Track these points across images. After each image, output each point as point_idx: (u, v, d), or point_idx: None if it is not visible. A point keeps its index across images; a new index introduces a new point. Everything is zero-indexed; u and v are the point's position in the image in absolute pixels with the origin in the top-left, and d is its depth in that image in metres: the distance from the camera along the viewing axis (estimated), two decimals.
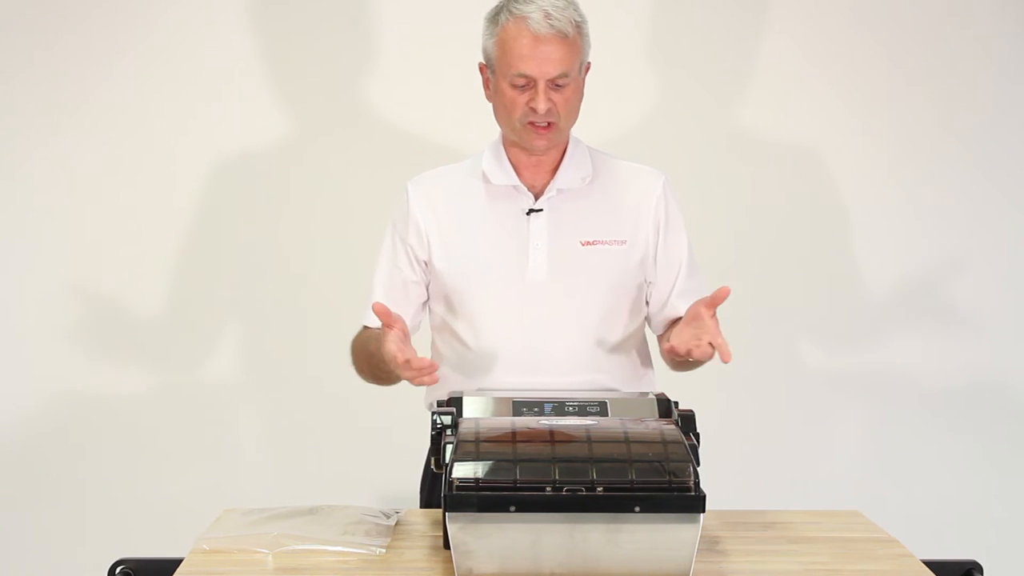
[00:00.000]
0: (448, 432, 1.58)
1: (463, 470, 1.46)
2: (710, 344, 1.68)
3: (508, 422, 1.60)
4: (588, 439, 1.52)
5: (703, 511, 1.44)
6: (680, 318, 1.96)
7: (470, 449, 1.49)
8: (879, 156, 2.98)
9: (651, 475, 1.46)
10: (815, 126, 2.97)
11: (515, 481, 1.45)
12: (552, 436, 1.53)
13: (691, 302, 1.94)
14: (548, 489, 1.44)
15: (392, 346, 1.67)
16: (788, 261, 2.99)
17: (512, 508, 1.43)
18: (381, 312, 1.69)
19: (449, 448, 1.51)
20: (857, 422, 3.06)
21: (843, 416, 3.05)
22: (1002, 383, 3.04)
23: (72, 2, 2.84)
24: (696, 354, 1.71)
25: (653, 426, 1.60)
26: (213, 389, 2.95)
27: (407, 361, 1.65)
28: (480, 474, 1.46)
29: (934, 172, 2.99)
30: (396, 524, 1.74)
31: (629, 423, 1.61)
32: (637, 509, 1.43)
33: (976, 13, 2.95)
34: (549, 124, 1.82)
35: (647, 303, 1.99)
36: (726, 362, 1.66)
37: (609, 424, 1.61)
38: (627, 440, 1.52)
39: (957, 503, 3.05)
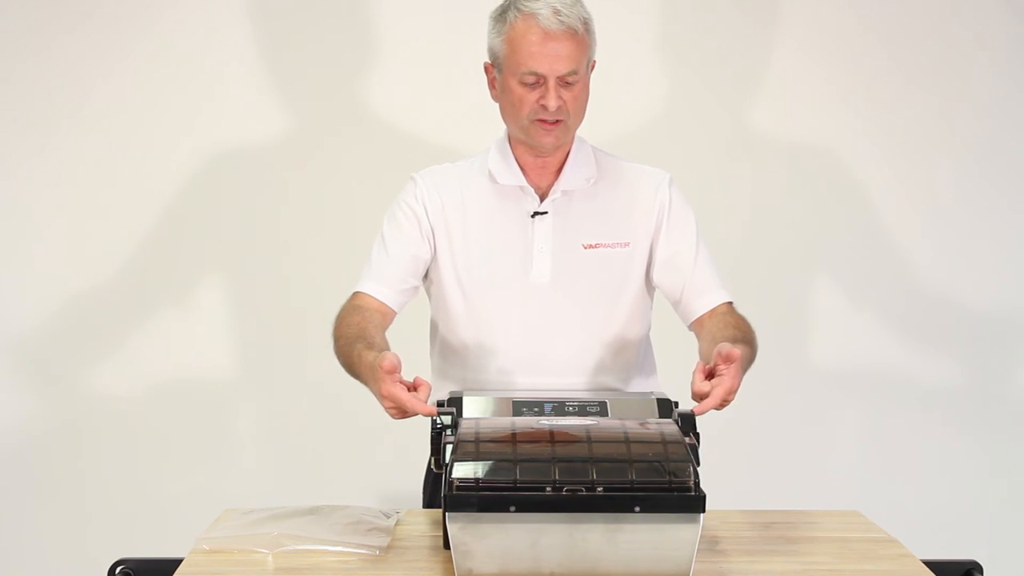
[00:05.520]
0: (448, 432, 1.57)
1: (463, 470, 1.46)
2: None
3: (508, 422, 1.60)
4: (588, 439, 1.52)
5: (703, 511, 1.44)
6: (708, 312, 1.92)
7: (470, 449, 1.49)
8: (883, 159, 2.99)
9: (651, 475, 1.46)
10: (821, 128, 2.97)
11: (515, 481, 1.45)
12: (552, 436, 1.53)
13: (708, 293, 1.91)
14: (548, 489, 1.44)
15: (398, 392, 1.56)
16: (791, 262, 3.00)
17: (512, 508, 1.42)
18: (391, 368, 1.57)
19: (449, 448, 1.51)
20: (857, 422, 3.06)
21: (843, 416, 3.05)
22: (1002, 383, 3.05)
23: (71, 2, 2.84)
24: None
25: (653, 426, 1.60)
26: (213, 389, 2.95)
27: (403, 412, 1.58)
28: (480, 474, 1.46)
29: (936, 174, 3.00)
30: (396, 524, 1.74)
31: (629, 423, 1.61)
32: (637, 509, 1.43)
33: (983, 16, 2.95)
34: (558, 121, 1.82)
35: (672, 300, 1.95)
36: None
37: (609, 424, 1.60)
38: (627, 440, 1.52)
39: (957, 503, 3.05)
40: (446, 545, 1.50)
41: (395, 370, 1.55)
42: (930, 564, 1.61)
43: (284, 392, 2.98)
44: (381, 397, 1.58)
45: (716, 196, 2.92)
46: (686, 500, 1.44)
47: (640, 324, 1.97)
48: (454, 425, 1.58)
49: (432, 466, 1.66)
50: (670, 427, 1.58)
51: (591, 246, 1.90)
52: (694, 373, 1.62)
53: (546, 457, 1.47)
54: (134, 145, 2.88)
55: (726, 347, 1.60)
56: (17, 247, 2.90)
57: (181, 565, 1.59)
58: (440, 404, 1.68)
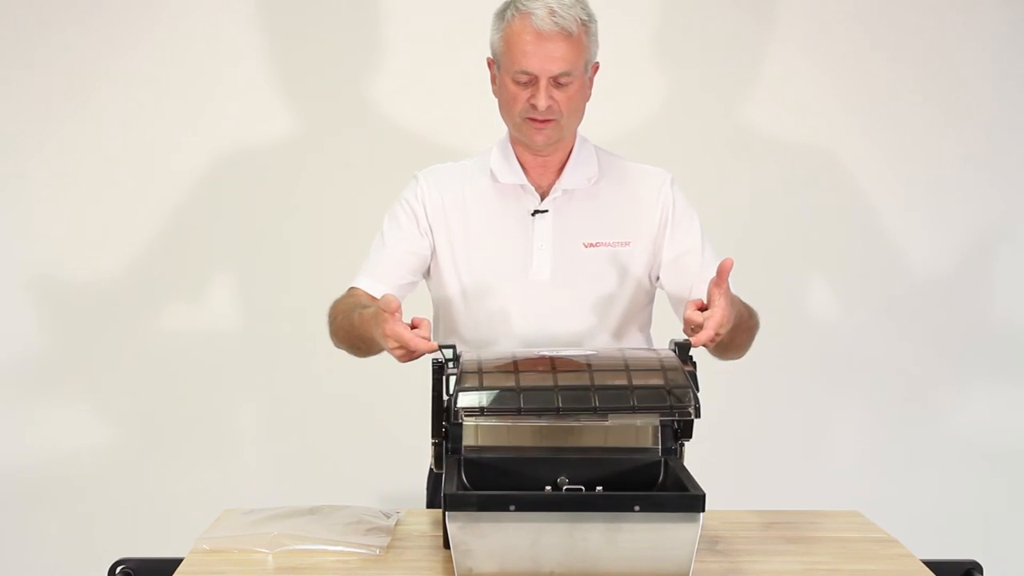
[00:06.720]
0: (450, 365, 1.58)
1: (467, 400, 1.48)
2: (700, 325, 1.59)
3: (509, 353, 1.64)
4: (589, 367, 1.55)
5: (703, 510, 1.44)
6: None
7: (473, 381, 1.52)
8: (881, 158, 2.99)
9: (653, 401, 1.50)
10: (819, 128, 2.97)
11: (519, 409, 1.48)
12: (554, 365, 1.56)
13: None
14: (548, 488, 1.45)
15: (400, 330, 1.57)
16: (789, 261, 3.00)
17: (512, 507, 1.43)
18: (393, 309, 1.57)
19: (452, 380, 1.52)
20: (857, 422, 3.06)
21: (843, 416, 3.06)
22: (1002, 383, 3.04)
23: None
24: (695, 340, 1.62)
25: (652, 354, 1.63)
26: (214, 389, 2.95)
27: (408, 352, 1.58)
28: (484, 403, 1.49)
29: (935, 174, 3.00)
30: (396, 524, 1.75)
31: (628, 352, 1.64)
32: (637, 508, 1.43)
33: (983, 16, 2.95)
34: (549, 120, 1.82)
35: (679, 300, 1.94)
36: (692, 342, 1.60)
37: (609, 353, 1.64)
38: (627, 368, 1.55)
39: (957, 503, 3.05)
40: (446, 545, 1.51)
41: (397, 310, 1.56)
42: (930, 564, 1.61)
43: (285, 392, 2.97)
44: (385, 338, 1.58)
45: (714, 195, 2.91)
46: (686, 499, 1.45)
47: (640, 322, 1.98)
48: (455, 359, 1.59)
49: (432, 467, 1.66)
50: (668, 354, 1.61)
51: (591, 244, 1.91)
52: (686, 305, 1.63)
53: (549, 386, 1.51)
54: (139, 144, 2.88)
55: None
56: (17, 244, 2.89)
57: (181, 565, 1.59)
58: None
